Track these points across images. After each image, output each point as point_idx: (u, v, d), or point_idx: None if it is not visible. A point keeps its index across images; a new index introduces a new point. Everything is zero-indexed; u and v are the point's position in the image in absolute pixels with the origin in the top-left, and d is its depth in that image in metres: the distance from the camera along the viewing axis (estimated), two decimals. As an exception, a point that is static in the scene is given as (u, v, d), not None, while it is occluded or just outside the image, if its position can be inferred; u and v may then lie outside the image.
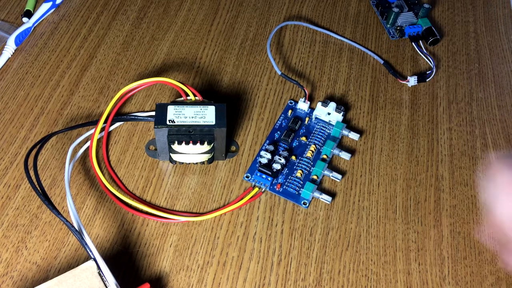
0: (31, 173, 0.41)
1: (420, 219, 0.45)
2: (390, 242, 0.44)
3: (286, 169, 0.47)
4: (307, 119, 0.51)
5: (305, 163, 0.48)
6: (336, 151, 0.48)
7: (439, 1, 0.64)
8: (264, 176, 0.46)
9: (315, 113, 0.51)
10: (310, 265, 0.43)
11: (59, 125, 0.49)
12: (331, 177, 0.47)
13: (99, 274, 0.37)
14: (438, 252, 0.44)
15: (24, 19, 0.57)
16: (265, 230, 0.44)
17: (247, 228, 0.44)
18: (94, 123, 0.47)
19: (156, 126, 0.43)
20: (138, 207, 0.44)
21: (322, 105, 0.50)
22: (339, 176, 0.47)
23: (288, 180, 0.47)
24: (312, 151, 0.48)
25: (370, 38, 0.59)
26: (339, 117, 0.50)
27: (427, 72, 0.55)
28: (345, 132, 0.49)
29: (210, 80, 0.54)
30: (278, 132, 0.50)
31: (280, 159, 0.46)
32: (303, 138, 0.49)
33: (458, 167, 0.49)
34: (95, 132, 0.45)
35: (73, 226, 0.38)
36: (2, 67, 0.53)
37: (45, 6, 0.57)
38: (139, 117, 0.50)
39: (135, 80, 0.49)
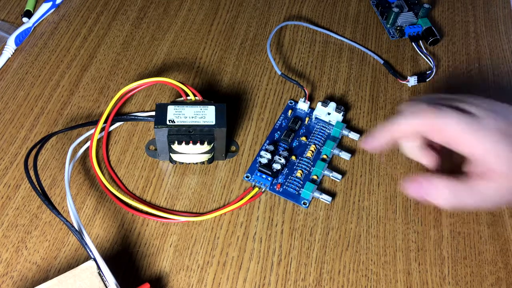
0: (31, 173, 0.41)
1: (420, 219, 0.45)
2: (390, 242, 0.44)
3: (286, 169, 0.47)
4: (307, 119, 0.51)
5: (305, 163, 0.48)
6: (336, 151, 0.48)
7: (439, 1, 0.64)
8: (264, 176, 0.46)
9: (315, 113, 0.51)
10: (310, 265, 0.43)
11: (59, 125, 0.49)
12: (331, 177, 0.47)
13: (99, 274, 0.37)
14: (438, 252, 0.44)
15: (24, 19, 0.57)
16: (265, 230, 0.44)
17: (247, 228, 0.44)
18: (94, 123, 0.47)
19: (156, 126, 0.43)
20: (138, 207, 0.44)
21: (322, 105, 0.50)
22: (339, 176, 0.47)
23: (288, 180, 0.47)
24: (312, 151, 0.48)
25: (370, 38, 0.59)
26: (339, 117, 0.50)
27: (427, 72, 0.55)
28: (345, 132, 0.50)
29: (210, 80, 0.54)
30: (278, 132, 0.50)
31: (280, 159, 0.46)
32: (303, 138, 0.49)
33: (458, 167, 0.49)
34: (95, 132, 0.45)
35: (73, 226, 0.38)
36: (2, 67, 0.53)
37: (45, 6, 0.57)
38: (139, 117, 0.50)
39: (135, 80, 0.49)
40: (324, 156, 0.48)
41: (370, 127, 0.51)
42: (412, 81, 0.54)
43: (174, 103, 0.46)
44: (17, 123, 0.49)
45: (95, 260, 0.37)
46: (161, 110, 0.44)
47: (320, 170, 0.47)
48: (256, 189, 0.46)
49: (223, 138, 0.45)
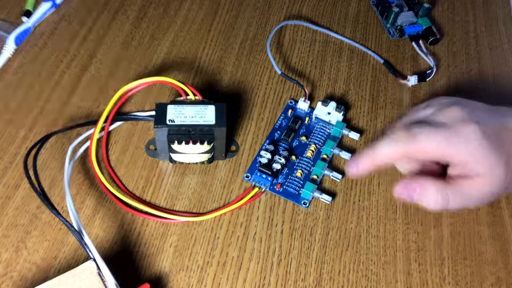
0: (31, 173, 0.41)
1: (420, 219, 0.45)
2: (390, 242, 0.44)
3: (286, 169, 0.47)
4: (307, 118, 0.51)
5: (305, 163, 0.48)
6: (336, 151, 0.48)
7: (439, 0, 0.64)
8: (264, 176, 0.46)
9: (315, 112, 0.50)
10: (310, 265, 0.42)
11: (58, 125, 0.49)
12: (331, 177, 0.47)
13: (99, 274, 0.37)
14: (438, 252, 0.44)
15: (24, 19, 0.56)
16: (265, 230, 0.44)
17: (247, 228, 0.44)
18: (94, 122, 0.47)
19: (156, 126, 0.43)
20: (138, 207, 0.44)
21: (322, 104, 0.50)
22: (339, 176, 0.47)
23: (288, 180, 0.47)
24: (312, 151, 0.48)
25: (370, 38, 0.59)
26: (339, 116, 0.50)
27: (427, 72, 0.55)
28: (345, 131, 0.49)
29: (210, 80, 0.54)
30: (278, 132, 0.50)
31: (280, 159, 0.46)
32: (303, 138, 0.49)
33: (458, 167, 0.49)
34: (95, 132, 0.45)
35: (72, 226, 0.38)
36: (2, 67, 0.53)
37: (45, 6, 0.57)
38: (139, 117, 0.50)
39: (135, 80, 0.49)
40: (324, 156, 0.48)
41: (370, 127, 0.51)
42: (412, 80, 0.54)
43: (174, 102, 0.46)
44: (17, 123, 0.49)
45: (94, 260, 0.37)
46: (161, 110, 0.44)
47: (320, 170, 0.47)
48: (256, 189, 0.46)
49: (223, 138, 0.45)
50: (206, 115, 0.44)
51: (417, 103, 0.53)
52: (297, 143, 0.49)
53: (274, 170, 0.46)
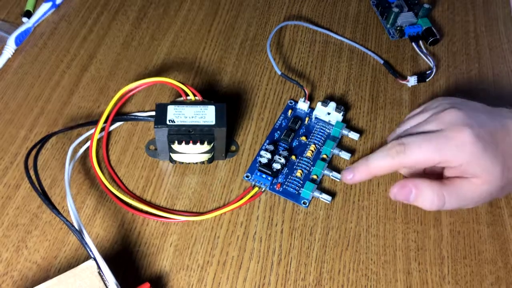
0: (31, 173, 0.41)
1: (420, 219, 0.45)
2: (390, 241, 0.44)
3: (286, 169, 0.47)
4: (307, 119, 0.51)
5: (305, 162, 0.48)
6: (336, 151, 0.48)
7: (439, 1, 0.64)
8: (264, 175, 0.46)
9: (315, 113, 0.51)
10: (310, 264, 0.43)
11: (59, 125, 0.49)
12: (331, 177, 0.47)
13: (99, 274, 0.37)
14: (438, 252, 0.44)
15: (24, 19, 0.57)
16: (265, 230, 0.44)
17: (247, 227, 0.44)
18: (94, 123, 0.47)
19: (156, 126, 0.43)
20: (138, 206, 0.44)
21: (322, 105, 0.50)
22: (339, 176, 0.47)
23: (288, 179, 0.47)
24: (312, 151, 0.48)
25: (370, 38, 0.59)
26: (339, 117, 0.50)
27: (427, 72, 0.55)
28: (345, 132, 0.50)
29: (210, 80, 0.54)
30: (278, 132, 0.50)
31: (280, 159, 0.46)
32: (303, 138, 0.49)
33: (458, 167, 0.49)
34: (95, 132, 0.46)
35: (73, 226, 0.38)
36: (2, 67, 0.53)
37: (45, 6, 0.57)
38: (139, 117, 0.50)
39: (135, 80, 0.49)
40: (324, 156, 0.48)
41: (370, 127, 0.51)
42: (412, 81, 0.54)
43: (174, 103, 0.46)
44: (17, 123, 0.49)
45: (95, 259, 0.37)
46: (161, 110, 0.44)
47: (320, 169, 0.47)
48: (256, 189, 0.46)
49: (223, 138, 0.45)
50: (206, 115, 0.44)
51: (416, 104, 0.53)
52: (297, 143, 0.49)
53: (274, 170, 0.46)
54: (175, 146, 0.44)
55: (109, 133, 0.49)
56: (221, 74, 0.54)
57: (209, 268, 0.42)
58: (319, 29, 0.59)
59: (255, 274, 0.42)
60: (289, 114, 0.51)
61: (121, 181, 0.46)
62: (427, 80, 0.55)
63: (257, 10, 0.61)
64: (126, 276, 0.41)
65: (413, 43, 0.58)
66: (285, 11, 0.61)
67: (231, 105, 0.52)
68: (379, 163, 0.42)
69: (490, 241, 0.45)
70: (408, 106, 0.53)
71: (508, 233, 0.45)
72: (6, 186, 0.45)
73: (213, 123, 0.44)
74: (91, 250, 0.38)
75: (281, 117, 0.51)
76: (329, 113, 0.50)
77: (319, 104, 0.50)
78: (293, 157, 0.48)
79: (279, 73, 0.52)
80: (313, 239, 0.44)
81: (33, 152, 0.43)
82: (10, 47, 0.53)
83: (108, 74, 0.53)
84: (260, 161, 0.46)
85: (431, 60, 0.56)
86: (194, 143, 0.44)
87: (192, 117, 0.44)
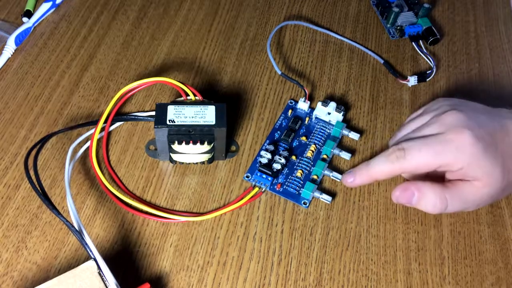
0: (31, 173, 0.41)
1: (420, 219, 0.45)
2: (390, 241, 0.44)
3: (286, 169, 0.47)
4: (307, 119, 0.51)
5: (305, 163, 0.48)
6: (336, 151, 0.48)
7: (439, 1, 0.64)
8: (264, 176, 0.46)
9: (315, 113, 0.50)
10: (310, 265, 0.43)
11: (59, 125, 0.49)
12: (331, 177, 0.47)
13: (99, 274, 0.37)
14: (438, 252, 0.44)
15: (24, 19, 0.57)
16: (265, 230, 0.44)
17: (247, 228, 0.44)
18: (94, 123, 0.47)
19: (156, 126, 0.43)
20: (138, 207, 0.44)
21: (322, 104, 0.50)
22: (340, 176, 0.46)
23: (288, 180, 0.47)
24: (312, 151, 0.48)
25: (370, 38, 0.59)
26: (339, 116, 0.50)
27: (427, 72, 0.55)
28: (345, 132, 0.49)
29: (210, 80, 0.54)
30: (278, 132, 0.50)
31: (280, 159, 0.46)
32: (303, 138, 0.49)
33: (458, 167, 0.49)
34: (95, 132, 0.45)
35: (73, 226, 0.38)
36: (2, 67, 0.53)
37: (45, 6, 0.57)
38: (139, 117, 0.50)
39: (135, 80, 0.49)
40: (324, 156, 0.48)
41: (370, 127, 0.51)
42: (412, 80, 0.54)
43: (174, 103, 0.46)
44: (17, 123, 0.49)
45: (95, 260, 0.37)
46: (161, 110, 0.44)
47: (320, 170, 0.47)
48: (256, 189, 0.46)
49: (223, 138, 0.45)
50: (206, 115, 0.44)
51: (417, 103, 0.53)
52: (297, 143, 0.49)
53: (274, 170, 0.46)
54: (175, 146, 0.44)
55: (109, 133, 0.49)
56: (221, 74, 0.54)
57: (209, 269, 0.42)
58: (319, 29, 0.59)
59: (255, 274, 0.42)
60: (289, 114, 0.51)
61: (121, 181, 0.46)
62: (428, 80, 0.55)
63: (257, 10, 0.61)
64: (126, 277, 0.41)
65: (413, 43, 0.58)
66: (285, 11, 0.61)
67: (231, 105, 0.52)
68: (379, 168, 0.42)
69: (491, 242, 0.45)
70: (409, 106, 0.53)
71: (508, 233, 0.45)
72: (6, 186, 0.45)
73: (213, 123, 0.44)
74: (91, 251, 0.38)
75: (281, 117, 0.51)
76: (329, 113, 0.50)
77: (319, 104, 0.50)
78: (294, 157, 0.48)
79: (279, 73, 0.52)
80: (314, 240, 0.44)
81: (33, 152, 0.43)
82: (10, 47, 0.53)
83: (108, 74, 0.53)
84: (260, 161, 0.46)
85: (431, 60, 0.56)
86: (194, 143, 0.44)
87: (192, 117, 0.44)
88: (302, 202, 0.45)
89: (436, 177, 0.43)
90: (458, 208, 0.41)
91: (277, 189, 0.46)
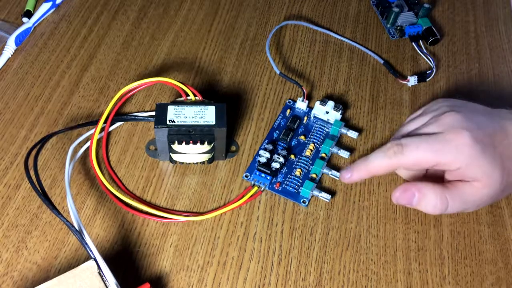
0: (31, 173, 0.41)
1: (420, 219, 0.45)
2: (390, 241, 0.44)
3: (285, 168, 0.47)
4: (305, 118, 0.51)
5: (304, 161, 0.48)
6: (335, 150, 0.48)
7: (439, 1, 0.64)
8: (263, 175, 0.46)
9: (313, 111, 0.51)
10: (310, 265, 0.43)
11: (59, 125, 0.49)
12: (330, 175, 0.47)
13: (100, 274, 0.37)
14: (438, 252, 0.44)
15: (24, 19, 0.57)
16: (265, 230, 0.44)
17: (247, 228, 0.44)
18: (94, 123, 0.47)
19: (156, 126, 0.43)
20: (138, 207, 0.44)
21: (320, 103, 0.50)
22: (338, 174, 0.46)
23: (287, 179, 0.47)
24: (311, 150, 0.48)
25: (370, 38, 0.59)
26: (337, 115, 0.50)
27: (427, 72, 0.55)
28: (343, 130, 0.50)
29: (210, 80, 0.54)
30: (277, 131, 0.50)
31: (279, 158, 0.46)
32: (302, 137, 0.49)
33: (458, 167, 0.49)
34: (95, 132, 0.46)
35: (73, 226, 0.38)
36: (2, 67, 0.53)
37: (45, 6, 0.57)
38: (139, 117, 0.50)
39: (135, 80, 0.49)
40: (323, 155, 0.48)
41: (370, 127, 0.51)
42: (412, 80, 0.54)
43: (174, 103, 0.46)
44: (17, 123, 0.49)
45: (95, 260, 0.37)
46: (161, 110, 0.44)
47: (319, 168, 0.47)
48: (256, 188, 0.46)
49: (223, 138, 0.45)
50: (206, 115, 0.44)
51: (417, 104, 0.53)
52: (296, 142, 0.49)
53: (273, 169, 0.46)
54: (175, 146, 0.44)
55: (109, 133, 0.49)
56: (221, 74, 0.54)
57: (209, 269, 0.42)
58: (319, 29, 0.59)
59: (255, 274, 0.42)
60: (287, 114, 0.51)
61: (121, 181, 0.46)
62: (427, 80, 0.55)
63: (257, 10, 0.61)
64: (126, 277, 0.41)
65: (413, 43, 0.58)
66: (285, 11, 0.61)
67: (231, 105, 0.52)
68: (377, 163, 0.42)
69: (491, 242, 0.45)
70: (409, 106, 0.53)
71: (508, 233, 0.45)
72: (6, 186, 0.45)
73: (213, 123, 0.44)
74: (91, 251, 0.38)
75: (280, 117, 0.51)
76: (327, 112, 0.50)
77: (317, 103, 0.50)
78: (292, 156, 0.48)
79: (278, 72, 0.52)
80: (313, 240, 0.44)
81: (33, 152, 0.43)
82: (10, 47, 0.53)
83: (108, 74, 0.53)
84: (259, 161, 0.46)
85: (431, 60, 0.56)
86: (194, 143, 0.44)
87: (192, 117, 0.44)
88: (301, 200, 0.45)
89: (436, 178, 0.43)
90: (458, 209, 0.41)
91: (276, 188, 0.46)
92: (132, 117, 0.50)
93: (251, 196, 0.45)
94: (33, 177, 0.40)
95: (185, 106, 0.45)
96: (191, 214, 0.44)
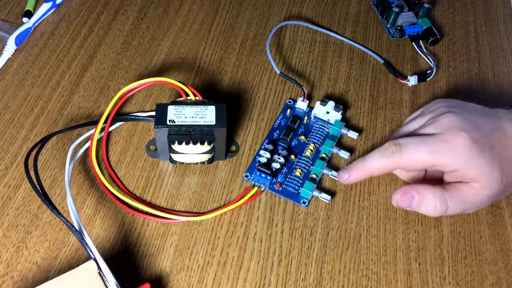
0: (31, 173, 0.41)
1: (420, 219, 0.45)
2: (390, 242, 0.44)
3: (286, 168, 0.47)
4: (306, 118, 0.51)
5: (304, 162, 0.48)
6: (335, 150, 0.48)
7: (439, 1, 0.64)
8: (263, 175, 0.46)
9: (313, 112, 0.51)
10: (311, 265, 0.43)
11: (59, 125, 0.49)
12: (330, 176, 0.47)
13: (100, 274, 0.37)
14: (439, 252, 0.44)
15: (24, 19, 0.57)
16: (265, 230, 0.44)
17: (248, 228, 0.44)
18: (94, 123, 0.47)
19: (156, 126, 0.43)
20: (138, 207, 0.44)
21: (320, 104, 0.50)
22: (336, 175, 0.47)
23: (287, 179, 0.47)
24: (311, 150, 0.48)
25: (370, 38, 0.59)
26: (337, 115, 0.50)
27: (427, 72, 0.55)
28: (344, 130, 0.50)
29: (210, 80, 0.54)
30: (277, 131, 0.50)
31: (279, 158, 0.46)
32: (302, 137, 0.49)
33: (458, 167, 0.49)
34: (95, 132, 0.45)
35: (73, 226, 0.38)
36: (2, 67, 0.53)
37: (45, 6, 0.57)
38: (139, 117, 0.50)
39: (135, 80, 0.49)
40: (323, 155, 0.48)
41: (370, 127, 0.51)
42: (412, 80, 0.54)
43: (174, 103, 0.46)
44: (17, 123, 0.49)
45: (95, 260, 0.37)
46: (161, 110, 0.44)
47: (319, 169, 0.47)
48: (256, 188, 0.46)
49: (223, 138, 0.45)
50: (206, 115, 0.44)
51: (417, 104, 0.53)
52: (296, 143, 0.49)
53: (273, 169, 0.46)
54: (175, 146, 0.44)
55: (109, 133, 0.49)
56: (221, 74, 0.54)
57: (210, 269, 0.42)
58: (319, 29, 0.59)
59: (255, 274, 0.42)
60: (288, 114, 0.51)
61: (121, 181, 0.46)
62: (428, 79, 0.55)
63: (257, 10, 0.61)
64: (126, 277, 0.41)
65: (413, 43, 0.58)
66: (285, 11, 0.61)
67: (231, 105, 0.52)
68: (374, 163, 0.42)
69: (491, 242, 0.45)
70: (409, 106, 0.53)
71: (508, 233, 0.45)
72: (6, 186, 0.45)
73: (213, 123, 0.44)
74: (91, 251, 0.38)
75: (280, 117, 0.51)
76: (328, 112, 0.50)
77: (317, 103, 0.50)
78: (292, 157, 0.48)
79: (278, 72, 0.52)
80: (314, 240, 0.44)
81: (33, 152, 0.43)
82: (10, 47, 0.53)
83: (108, 74, 0.53)
84: (259, 161, 0.46)
85: (431, 60, 0.56)
86: (194, 143, 0.44)
87: (192, 117, 0.44)
88: (302, 201, 0.45)
89: (435, 180, 0.43)
90: (458, 210, 0.42)
91: (276, 188, 0.46)
92: (132, 117, 0.50)
93: (251, 196, 0.45)
94: (33, 177, 0.40)
95: (185, 106, 0.45)
96: (191, 214, 0.44)
